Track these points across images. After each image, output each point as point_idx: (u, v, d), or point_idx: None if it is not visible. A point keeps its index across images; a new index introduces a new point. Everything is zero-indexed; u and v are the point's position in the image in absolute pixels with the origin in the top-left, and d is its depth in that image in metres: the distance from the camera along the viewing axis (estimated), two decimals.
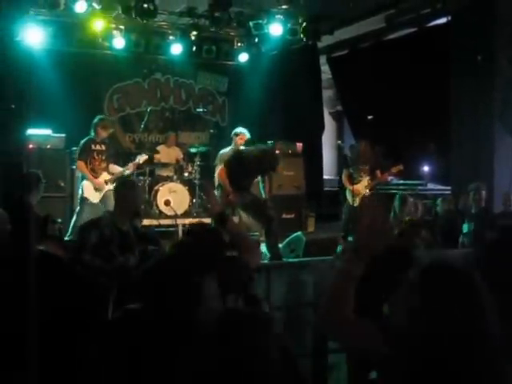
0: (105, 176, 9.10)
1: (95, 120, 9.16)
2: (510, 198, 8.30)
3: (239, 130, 10.01)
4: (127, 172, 9.49)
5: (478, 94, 9.82)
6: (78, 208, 8.95)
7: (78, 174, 9.55)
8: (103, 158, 9.13)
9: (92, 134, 9.09)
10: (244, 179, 7.99)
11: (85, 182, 8.98)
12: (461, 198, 8.63)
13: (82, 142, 9.12)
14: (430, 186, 11.59)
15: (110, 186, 9.01)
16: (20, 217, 2.93)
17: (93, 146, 9.04)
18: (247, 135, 9.85)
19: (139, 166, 9.98)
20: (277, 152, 8.35)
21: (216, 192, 8.35)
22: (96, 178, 8.99)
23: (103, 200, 8.99)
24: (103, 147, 9.17)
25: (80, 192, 9.03)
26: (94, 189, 8.96)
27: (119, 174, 9.37)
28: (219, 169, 8.27)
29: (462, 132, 10.18)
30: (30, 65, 10.89)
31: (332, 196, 12.75)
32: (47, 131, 10.32)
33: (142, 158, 9.66)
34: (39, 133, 10.27)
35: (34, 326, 2.14)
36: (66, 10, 10.27)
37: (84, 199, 8.93)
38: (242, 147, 9.48)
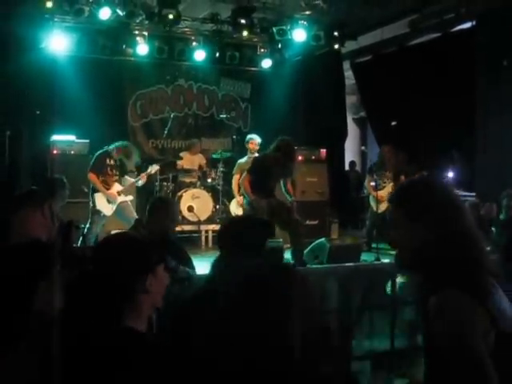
0: (117, 187, 8.92)
1: (121, 143, 9.00)
2: None
3: (250, 136, 10.36)
4: (140, 182, 9.36)
5: (504, 99, 9.71)
6: (89, 220, 8.78)
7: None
8: (117, 172, 8.98)
9: (110, 148, 8.93)
10: (268, 183, 7.95)
11: (97, 195, 8.79)
12: (485, 205, 8.51)
13: (97, 154, 8.96)
14: None
15: (123, 198, 8.94)
16: None
17: (107, 161, 8.87)
18: (258, 140, 10.10)
19: (150, 176, 9.83)
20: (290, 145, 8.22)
21: (243, 199, 8.36)
22: (108, 189, 8.83)
23: (118, 212, 8.86)
24: (118, 162, 9.03)
25: (91, 204, 8.85)
26: (107, 201, 8.82)
27: (132, 184, 9.30)
28: (244, 176, 8.20)
29: (486, 138, 10.07)
30: (54, 71, 10.99)
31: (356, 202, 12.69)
32: (71, 137, 10.37)
33: (153, 169, 9.53)
34: (63, 139, 10.32)
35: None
36: (90, 17, 10.34)
37: (96, 212, 8.77)
38: (256, 153, 9.72)
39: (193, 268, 5.15)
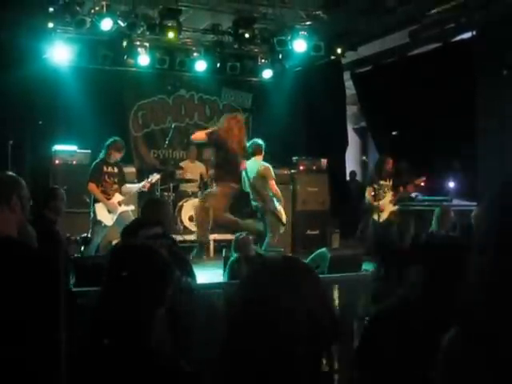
0: (117, 197, 8.87)
1: (108, 141, 8.94)
2: None
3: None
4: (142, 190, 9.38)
5: (504, 108, 9.73)
6: (90, 231, 8.73)
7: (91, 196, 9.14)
8: (115, 180, 8.90)
9: (102, 155, 8.88)
10: (226, 167, 7.98)
11: (97, 205, 8.73)
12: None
13: (93, 164, 8.94)
14: (455, 202, 11.47)
15: (124, 208, 8.90)
16: (39, 232, 2.91)
17: (104, 168, 8.81)
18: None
19: (153, 185, 9.78)
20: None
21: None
22: (109, 199, 8.78)
23: (119, 222, 8.77)
24: (115, 170, 8.95)
25: (92, 215, 8.79)
26: (108, 211, 8.75)
27: (133, 194, 9.27)
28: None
29: (487, 147, 10.08)
30: (56, 82, 11.05)
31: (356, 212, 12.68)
32: (73, 147, 10.42)
33: (154, 178, 9.41)
34: (65, 149, 10.38)
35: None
36: (92, 28, 10.38)
37: (97, 222, 8.70)
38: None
39: (194, 277, 5.17)
